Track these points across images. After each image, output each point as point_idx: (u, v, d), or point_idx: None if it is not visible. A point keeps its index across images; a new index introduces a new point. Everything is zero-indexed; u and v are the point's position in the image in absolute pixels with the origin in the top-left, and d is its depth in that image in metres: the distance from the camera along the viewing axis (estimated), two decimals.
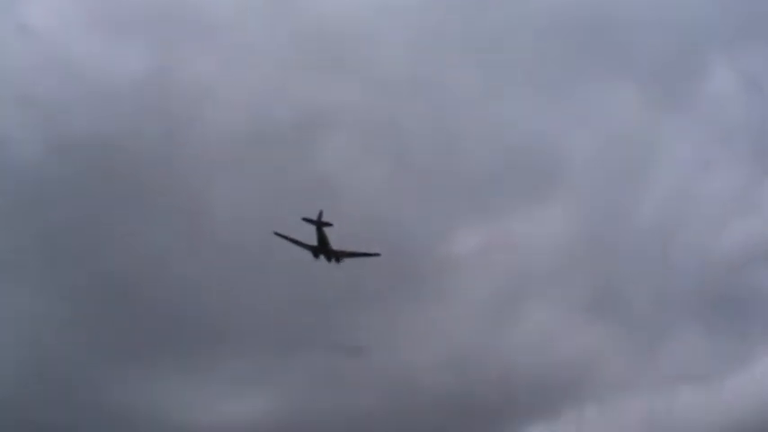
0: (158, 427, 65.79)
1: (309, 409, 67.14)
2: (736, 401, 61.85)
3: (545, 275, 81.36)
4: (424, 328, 74.96)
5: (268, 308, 73.06)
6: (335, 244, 47.37)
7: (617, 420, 71.68)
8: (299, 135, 77.94)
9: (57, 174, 74.55)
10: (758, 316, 76.49)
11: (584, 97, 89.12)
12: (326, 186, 74.88)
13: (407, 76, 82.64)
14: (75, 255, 74.25)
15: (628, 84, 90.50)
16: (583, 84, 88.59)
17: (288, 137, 77.19)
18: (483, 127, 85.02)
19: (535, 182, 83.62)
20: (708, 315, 76.47)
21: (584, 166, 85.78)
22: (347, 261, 48.54)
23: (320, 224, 43.91)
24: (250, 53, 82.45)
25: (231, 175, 78.40)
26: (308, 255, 46.89)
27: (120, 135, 75.25)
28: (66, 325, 70.56)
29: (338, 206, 73.35)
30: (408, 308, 74.87)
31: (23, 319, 69.95)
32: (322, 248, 46.10)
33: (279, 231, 44.49)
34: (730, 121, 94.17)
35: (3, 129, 75.50)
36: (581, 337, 75.93)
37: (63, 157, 74.85)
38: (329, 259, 46.99)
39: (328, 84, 79.55)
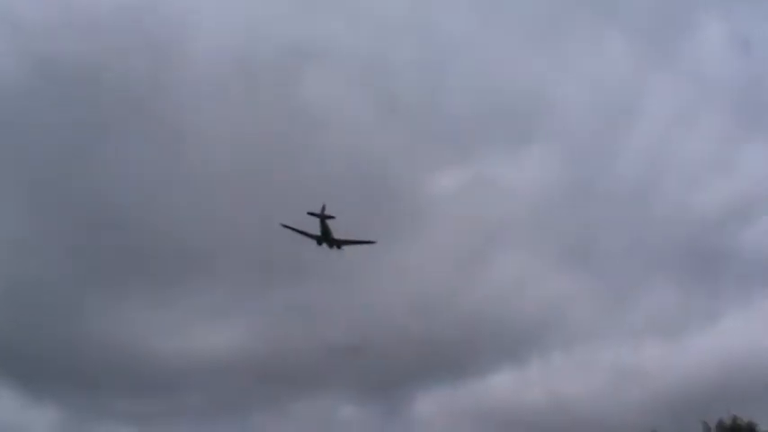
0: (131, 353, 65.94)
1: (278, 342, 67.40)
2: (703, 356, 62.53)
3: (522, 221, 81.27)
4: (397, 266, 74.89)
5: (247, 240, 72.55)
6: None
7: (583, 369, 72.52)
8: (285, 68, 76.27)
9: (40, 99, 72.75)
10: (729, 273, 76.94)
11: (572, 46, 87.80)
12: (311, 120, 73.77)
13: (396, 16, 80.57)
14: (55, 180, 72.99)
15: (616, 34, 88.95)
16: (571, 32, 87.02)
17: (273, 69, 75.43)
18: (470, 70, 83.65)
19: (518, 127, 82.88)
20: (680, 270, 76.94)
21: (568, 113, 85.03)
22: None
23: (324, 217, 46.62)
24: None
25: (216, 105, 76.83)
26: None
27: (105, 62, 73.26)
28: (42, 250, 69.99)
29: (322, 139, 72.61)
30: (383, 246, 74.57)
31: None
32: (325, 238, 48.26)
33: (285, 223, 46.73)
34: (715, 78, 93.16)
35: None
36: (552, 285, 76.40)
37: (47, 82, 73.00)
38: (331, 246, 49.03)
39: (316, 18, 77.44)
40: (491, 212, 79.59)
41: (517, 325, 71.70)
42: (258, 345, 69.32)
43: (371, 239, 49.13)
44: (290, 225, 46.91)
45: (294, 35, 77.59)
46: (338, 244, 48.88)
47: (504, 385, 69.66)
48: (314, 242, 48.70)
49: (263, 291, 74.50)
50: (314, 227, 48.43)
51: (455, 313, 71.03)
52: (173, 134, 74.06)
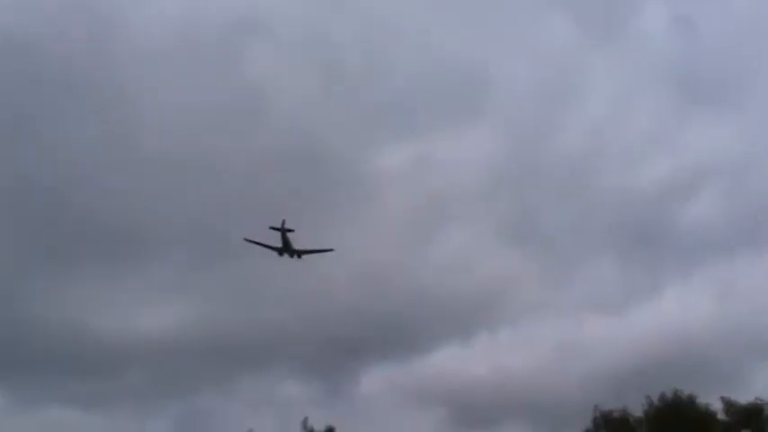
0: (75, 334, 62.99)
1: (225, 320, 65.47)
2: (644, 331, 63.48)
3: (466, 197, 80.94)
4: (343, 241, 73.54)
5: (191, 216, 69.97)
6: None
7: (528, 343, 73.04)
8: (227, 43, 73.29)
9: None
10: (670, 250, 78.43)
11: (515, 23, 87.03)
12: (254, 94, 71.21)
13: None
14: None
15: (560, 12, 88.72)
16: (515, 9, 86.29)
17: (216, 42, 72.37)
18: (414, 45, 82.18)
19: (463, 103, 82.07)
20: (621, 246, 78.02)
21: (512, 90, 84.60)
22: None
23: (284, 231, 49.27)
24: None
25: (158, 79, 73.33)
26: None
27: (45, 34, 68.83)
28: None
29: (265, 113, 70.23)
30: (327, 221, 73.16)
31: None
32: (286, 249, 50.80)
33: (248, 238, 48.92)
34: (658, 56, 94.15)
35: None
36: (497, 261, 76.47)
37: None
38: (291, 256, 51.41)
39: None
40: (435, 189, 78.98)
41: (463, 301, 71.71)
42: (202, 323, 67.38)
43: (329, 248, 52.05)
44: (253, 239, 49.22)
45: (237, 8, 74.42)
46: (298, 254, 51.20)
47: (450, 361, 69.73)
48: (275, 253, 50.93)
49: (206, 269, 72.22)
50: (275, 239, 50.85)
51: (401, 289, 70.52)
52: (115, 109, 70.31)
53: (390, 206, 78.00)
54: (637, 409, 45.70)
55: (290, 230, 49.52)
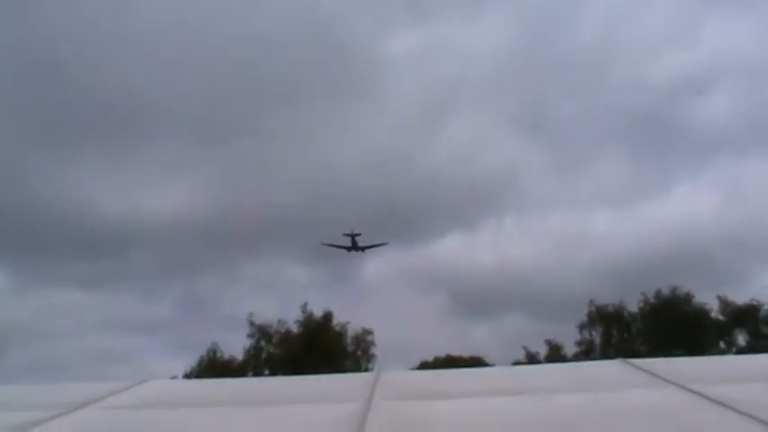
0: (77, 215, 61.90)
1: (229, 201, 64.01)
2: (649, 227, 60.96)
3: (476, 85, 76.38)
4: (351, 126, 70.66)
5: (197, 94, 66.89)
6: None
7: (533, 234, 71.03)
8: None
9: None
10: (680, 147, 74.15)
11: None
12: None
13: None
14: None
15: None
16: None
17: None
18: None
19: None
20: (632, 140, 73.81)
21: None
22: None
23: (353, 236, 54.25)
24: None
25: None
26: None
27: None
28: None
29: None
30: (337, 104, 69.91)
31: None
32: (354, 247, 55.36)
33: (325, 242, 53.38)
34: None
35: None
36: (506, 151, 73.09)
37: None
38: (356, 251, 55.88)
39: None
40: (446, 77, 74.47)
41: (470, 189, 69.28)
42: (206, 205, 66.03)
43: (385, 242, 55.28)
44: (329, 243, 53.68)
45: None
46: (362, 249, 55.56)
47: (454, 249, 68.32)
48: (345, 251, 55.72)
49: (213, 150, 69.94)
50: (345, 241, 55.52)
51: (409, 176, 68.14)
52: None
53: (400, 93, 74.12)
54: (633, 305, 44.28)
55: (357, 234, 54.75)
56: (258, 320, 44.96)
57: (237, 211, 62.59)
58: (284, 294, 65.34)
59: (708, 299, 42.87)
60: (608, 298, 45.43)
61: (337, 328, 45.79)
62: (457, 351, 48.76)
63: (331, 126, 70.07)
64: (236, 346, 44.98)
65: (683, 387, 4.68)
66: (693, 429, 3.65)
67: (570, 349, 44.24)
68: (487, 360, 40.91)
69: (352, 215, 62.40)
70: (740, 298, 42.27)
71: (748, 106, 74.68)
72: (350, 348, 45.49)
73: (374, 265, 70.74)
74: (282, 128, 67.69)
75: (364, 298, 64.54)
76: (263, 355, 44.44)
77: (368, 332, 45.79)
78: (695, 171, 72.53)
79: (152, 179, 70.63)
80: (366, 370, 40.03)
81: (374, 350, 45.50)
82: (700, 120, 69.93)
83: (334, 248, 54.44)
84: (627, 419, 4.02)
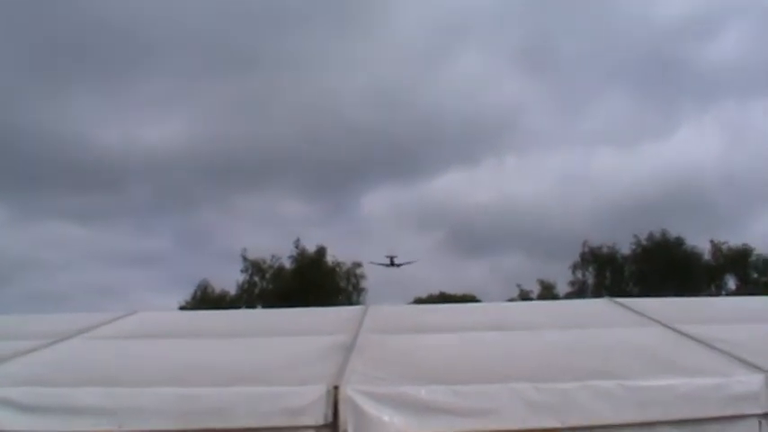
0: (72, 147, 61.06)
1: (227, 135, 63.30)
2: (651, 170, 60.55)
3: (481, 19, 74.55)
4: (352, 59, 69.11)
5: (198, 22, 65.09)
6: None
7: (533, 173, 70.89)
8: None
9: None
10: (686, 88, 73.00)
11: None
12: None
13: None
14: None
15: None
16: None
17: None
18: None
19: None
20: (638, 80, 72.54)
21: None
22: None
23: (392, 257, 53.78)
24: None
25: None
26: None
27: None
28: None
29: None
30: (338, 36, 68.24)
31: None
32: (392, 264, 54.57)
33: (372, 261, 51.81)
34: None
35: None
36: (509, 87, 71.95)
37: None
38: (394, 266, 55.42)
39: None
40: (450, 8, 72.46)
41: (471, 125, 68.29)
42: (204, 138, 65.23)
43: (414, 260, 54.98)
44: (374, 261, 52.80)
45: None
46: (398, 266, 55.48)
47: (452, 186, 68.40)
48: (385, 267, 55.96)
49: (210, 80, 68.51)
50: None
51: (409, 110, 66.97)
52: None
53: (403, 25, 72.15)
54: (626, 248, 44.76)
55: (395, 256, 55.72)
56: (252, 256, 45.44)
57: (236, 145, 61.91)
58: (280, 230, 65.67)
59: (704, 243, 43.32)
60: (604, 240, 45.92)
61: (331, 264, 46.25)
62: (452, 289, 49.66)
63: (331, 59, 68.61)
64: (230, 281, 45.55)
65: (666, 326, 4.74)
66: (674, 365, 3.70)
67: (563, 289, 44.98)
68: (480, 298, 41.60)
69: (349, 149, 62.13)
70: (735, 244, 42.70)
71: (758, 48, 73.38)
72: (342, 284, 46.12)
73: (372, 202, 71.03)
74: (283, 59, 66.28)
75: (361, 234, 65.06)
76: (256, 291, 45.06)
77: (357, 265, 46.36)
78: (700, 113, 71.68)
79: (150, 110, 69.64)
80: (357, 305, 40.77)
81: (364, 284, 46.33)
82: (707, 61, 68.67)
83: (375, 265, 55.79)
84: (608, 354, 4.09)
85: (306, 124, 63.49)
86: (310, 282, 43.09)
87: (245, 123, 66.17)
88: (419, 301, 42.70)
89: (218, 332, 5.32)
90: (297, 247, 45.97)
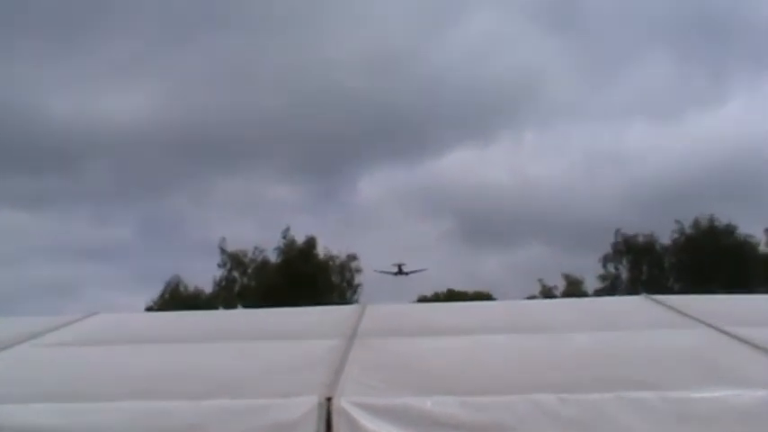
0: (23, 121, 60.64)
1: (202, 107, 63.04)
2: (695, 147, 60.04)
3: None
4: (347, 17, 68.67)
5: None
6: None
7: (557, 150, 70.48)
8: None
9: None
10: (738, 52, 72.18)
11: None
12: None
13: None
14: None
15: None
16: None
17: None
18: None
19: None
20: (681, 43, 72.00)
21: None
22: None
23: (400, 265, 56.67)
24: None
25: None
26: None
27: None
28: None
29: None
30: None
31: None
32: (399, 273, 56.93)
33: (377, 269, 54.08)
34: None
35: None
36: (528, 50, 71.58)
37: None
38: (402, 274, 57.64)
39: None
40: None
41: (484, 94, 68.07)
42: (175, 110, 64.98)
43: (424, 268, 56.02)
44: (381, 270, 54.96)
45: None
46: (407, 273, 57.42)
47: (464, 165, 68.13)
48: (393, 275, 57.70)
49: (182, 43, 68.26)
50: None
51: (413, 79, 66.43)
52: None
53: None
54: (666, 237, 44.66)
55: (403, 264, 57.70)
56: (231, 247, 45.54)
57: (212, 119, 61.52)
58: (264, 218, 65.60)
59: (758, 232, 43.13)
60: (639, 227, 45.87)
61: (323, 257, 46.32)
62: (462, 286, 49.78)
63: (324, 18, 67.92)
64: (205, 277, 45.64)
65: (714, 327, 4.74)
66: (722, 374, 3.71)
67: (592, 285, 45.08)
68: (495, 296, 41.83)
69: (346, 124, 61.62)
70: None
71: None
72: (335, 280, 46.22)
73: (370, 185, 70.80)
74: (267, 18, 65.84)
75: (358, 221, 64.81)
76: (236, 288, 45.22)
77: (352, 258, 46.41)
78: (755, 79, 71.15)
79: (111, 78, 69.41)
80: (351, 302, 40.91)
81: (361, 279, 46.52)
82: (764, 20, 68.02)
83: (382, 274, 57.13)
84: (645, 360, 4.08)
85: (294, 94, 63.28)
86: (299, 277, 43.35)
87: (223, 93, 65.90)
88: (424, 300, 42.96)
89: (192, 336, 5.32)
90: (284, 237, 46.20)
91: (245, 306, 39.40)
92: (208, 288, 45.23)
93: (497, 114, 73.11)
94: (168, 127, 64.46)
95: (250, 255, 45.95)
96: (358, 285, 46.67)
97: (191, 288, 45.28)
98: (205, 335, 5.34)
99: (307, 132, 61.45)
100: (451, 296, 45.77)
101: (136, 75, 71.31)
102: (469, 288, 47.87)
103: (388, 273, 56.21)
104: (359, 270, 47.12)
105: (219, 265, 45.37)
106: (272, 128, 63.60)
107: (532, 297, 41.07)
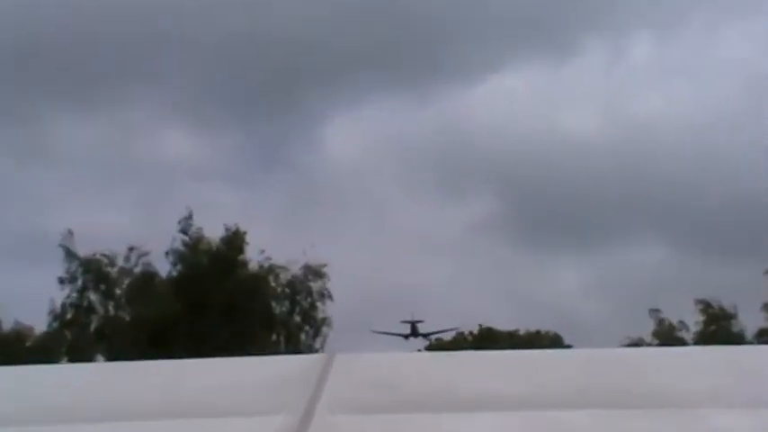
0: None
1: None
2: None
3: None
4: None
5: None
6: None
7: (681, 73, 52.37)
8: None
9: None
10: None
11: None
12: None
13: None
14: None
15: None
16: None
17: None
18: None
19: None
20: None
21: None
22: None
23: (414, 323, 47.73)
24: None
25: None
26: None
27: None
28: None
29: None
30: None
31: None
32: (413, 335, 48.57)
33: (377, 330, 46.28)
34: None
35: None
36: None
37: None
38: (416, 337, 49.73)
39: None
40: None
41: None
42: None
43: (454, 327, 45.45)
44: (382, 330, 45.85)
45: None
46: (425, 336, 49.33)
47: (516, 98, 48.21)
48: (402, 339, 51.27)
49: None
50: (404, 328, 47.96)
51: None
52: None
53: None
54: None
55: (419, 321, 48.71)
56: (85, 248, 30.65)
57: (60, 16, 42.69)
58: (147, 194, 45.19)
59: None
60: None
61: (258, 268, 32.05)
62: (506, 319, 31.58)
63: None
64: (35, 303, 29.18)
65: None
66: None
67: (753, 320, 31.04)
68: (569, 340, 29.52)
69: (307, 36, 43.32)
70: None
71: None
72: (281, 309, 30.83)
73: (346, 134, 49.54)
74: None
75: (324, 203, 44.28)
76: (94, 323, 30.37)
77: (317, 272, 30.96)
78: None
79: None
80: (311, 349, 29.21)
81: (329, 308, 31.45)
82: None
83: (385, 335, 49.47)
84: None
85: None
86: (212, 304, 29.42)
87: None
88: (438, 346, 31.43)
89: (14, 416, 3.36)
90: (185, 231, 31.66)
91: (112, 358, 26.82)
92: (40, 324, 30.47)
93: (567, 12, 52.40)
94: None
95: (120, 262, 31.09)
96: (324, 320, 31.93)
97: (7, 324, 31.20)
98: (38, 413, 3.33)
99: (229, 38, 44.48)
100: (488, 337, 32.35)
101: None
102: (520, 324, 31.71)
103: (392, 334, 46.45)
104: (326, 294, 32.12)
105: (62, 281, 30.62)
106: (173, 34, 45.47)
107: (639, 343, 30.10)
